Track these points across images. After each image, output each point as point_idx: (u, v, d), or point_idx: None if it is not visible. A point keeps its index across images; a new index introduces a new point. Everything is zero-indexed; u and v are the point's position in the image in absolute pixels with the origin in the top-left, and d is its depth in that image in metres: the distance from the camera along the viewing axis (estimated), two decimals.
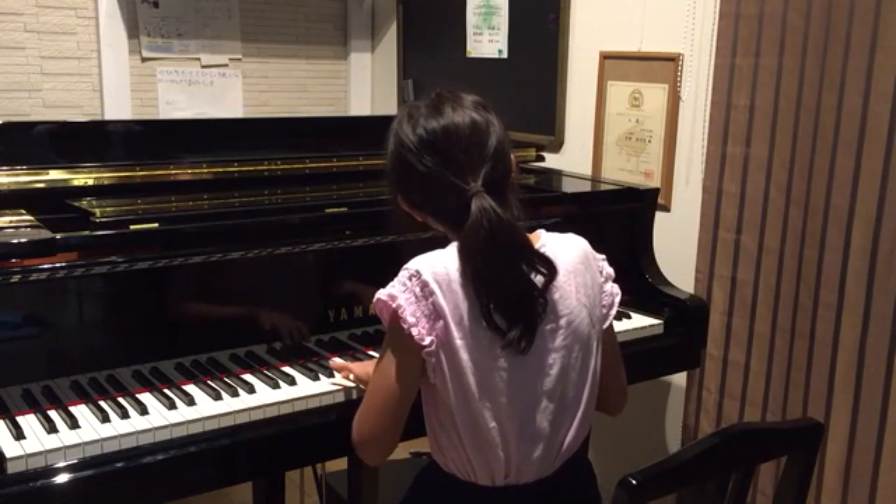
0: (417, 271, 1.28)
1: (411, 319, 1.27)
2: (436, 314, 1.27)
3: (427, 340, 1.27)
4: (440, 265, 1.29)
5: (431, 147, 1.31)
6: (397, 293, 1.29)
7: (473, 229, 1.26)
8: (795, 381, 2.15)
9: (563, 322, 1.33)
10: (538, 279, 1.30)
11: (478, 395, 1.29)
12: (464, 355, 1.28)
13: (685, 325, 2.14)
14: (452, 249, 1.31)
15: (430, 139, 1.31)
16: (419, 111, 1.35)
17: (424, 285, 1.27)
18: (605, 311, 1.43)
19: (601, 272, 1.43)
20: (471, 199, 1.28)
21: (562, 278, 1.33)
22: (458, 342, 1.27)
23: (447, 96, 1.35)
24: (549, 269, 1.30)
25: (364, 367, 1.59)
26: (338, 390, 1.61)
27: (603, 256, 1.46)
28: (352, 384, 1.62)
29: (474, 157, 1.31)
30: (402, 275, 1.30)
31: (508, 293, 1.28)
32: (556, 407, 1.34)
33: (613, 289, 1.45)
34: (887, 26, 1.89)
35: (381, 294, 1.31)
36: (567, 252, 1.37)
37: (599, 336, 1.41)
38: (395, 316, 1.28)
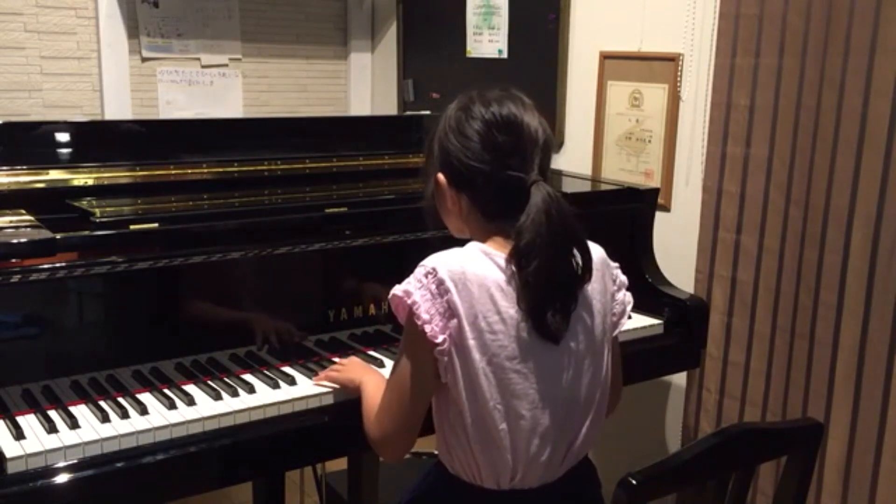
0: (434, 269, 1.28)
1: (425, 316, 1.27)
2: (450, 312, 1.27)
3: (440, 338, 1.27)
4: (456, 264, 1.29)
5: (506, 128, 1.32)
6: (412, 289, 1.29)
7: (538, 213, 1.27)
8: (795, 381, 2.15)
9: (579, 327, 1.34)
10: (578, 269, 1.32)
11: (489, 397, 1.28)
12: (476, 355, 1.27)
13: (685, 325, 2.14)
14: (470, 249, 1.32)
15: (505, 122, 1.32)
16: (491, 95, 1.36)
17: (440, 283, 1.27)
18: (615, 319, 1.43)
19: (615, 280, 1.44)
20: (531, 186, 1.29)
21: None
22: (471, 342, 1.27)
23: (513, 92, 1.38)
24: (588, 261, 1.32)
25: (346, 373, 1.59)
26: (337, 390, 1.61)
27: (617, 265, 1.46)
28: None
29: (537, 148, 1.33)
30: (419, 271, 1.30)
31: (552, 279, 1.28)
32: (567, 412, 1.34)
33: (626, 297, 1.46)
34: (887, 26, 1.89)
35: (397, 290, 1.31)
36: None
37: (610, 343, 1.41)
38: (410, 312, 1.29)
